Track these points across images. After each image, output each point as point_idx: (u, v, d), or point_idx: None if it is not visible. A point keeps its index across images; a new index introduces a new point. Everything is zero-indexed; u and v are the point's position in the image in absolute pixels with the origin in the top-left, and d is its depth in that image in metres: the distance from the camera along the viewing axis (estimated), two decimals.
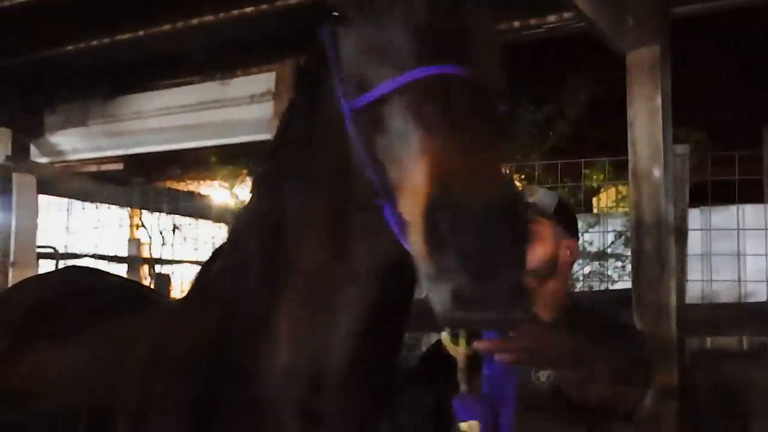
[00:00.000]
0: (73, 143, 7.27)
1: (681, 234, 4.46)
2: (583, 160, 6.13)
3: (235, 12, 5.08)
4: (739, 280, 5.72)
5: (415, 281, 1.54)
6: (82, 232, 10.40)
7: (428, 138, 1.32)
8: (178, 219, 10.79)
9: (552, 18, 4.68)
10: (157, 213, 10.59)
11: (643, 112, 3.92)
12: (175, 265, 10.54)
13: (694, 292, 5.37)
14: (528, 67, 6.56)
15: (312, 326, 1.72)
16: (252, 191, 1.96)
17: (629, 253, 4.48)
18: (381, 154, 1.43)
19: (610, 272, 7.78)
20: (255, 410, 1.75)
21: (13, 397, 2.38)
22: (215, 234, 10.42)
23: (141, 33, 5.40)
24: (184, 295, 2.39)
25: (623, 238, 7.57)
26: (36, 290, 2.89)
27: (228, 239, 2.00)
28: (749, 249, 5.58)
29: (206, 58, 5.83)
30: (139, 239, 11.11)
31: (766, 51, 6.32)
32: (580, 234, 2.86)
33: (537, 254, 2.48)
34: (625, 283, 6.64)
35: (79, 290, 2.80)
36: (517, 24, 4.45)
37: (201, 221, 11.23)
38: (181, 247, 10.77)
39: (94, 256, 9.32)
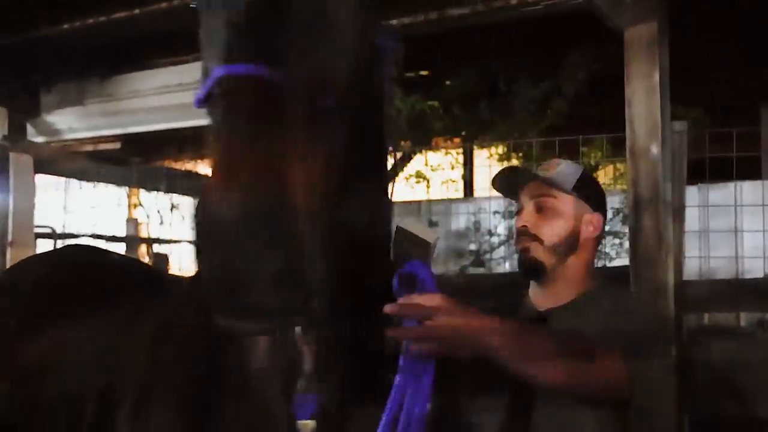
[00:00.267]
0: (70, 122, 7.23)
1: (679, 211, 4.47)
2: (580, 137, 6.11)
3: None
4: (737, 257, 5.72)
5: None
6: (80, 211, 10.38)
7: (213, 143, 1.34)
8: (176, 198, 10.76)
9: None
10: (155, 192, 10.57)
11: (641, 89, 3.90)
12: (173, 245, 10.53)
13: (691, 268, 5.39)
14: (526, 44, 6.55)
15: None
16: None
17: (627, 231, 4.48)
18: None
19: (607, 249, 7.79)
20: (257, 389, 1.76)
21: (35, 374, 2.38)
22: None
23: (137, 11, 5.36)
24: (189, 274, 2.39)
25: (621, 215, 7.58)
26: (39, 268, 2.89)
27: None
28: (747, 225, 5.58)
29: None
30: (137, 219, 11.09)
31: (764, 28, 6.30)
32: (608, 209, 2.76)
33: (555, 229, 2.47)
34: (623, 260, 6.66)
35: (82, 268, 2.81)
36: (514, 1, 4.41)
37: None
38: (179, 227, 10.75)
39: (92, 235, 9.30)
